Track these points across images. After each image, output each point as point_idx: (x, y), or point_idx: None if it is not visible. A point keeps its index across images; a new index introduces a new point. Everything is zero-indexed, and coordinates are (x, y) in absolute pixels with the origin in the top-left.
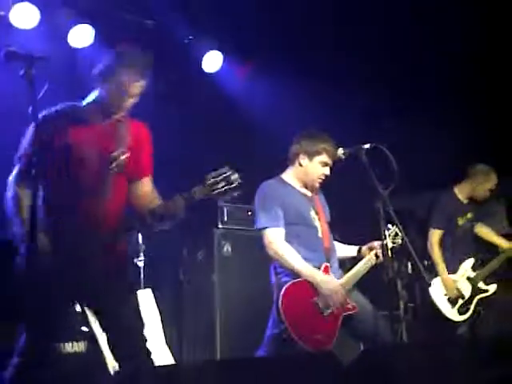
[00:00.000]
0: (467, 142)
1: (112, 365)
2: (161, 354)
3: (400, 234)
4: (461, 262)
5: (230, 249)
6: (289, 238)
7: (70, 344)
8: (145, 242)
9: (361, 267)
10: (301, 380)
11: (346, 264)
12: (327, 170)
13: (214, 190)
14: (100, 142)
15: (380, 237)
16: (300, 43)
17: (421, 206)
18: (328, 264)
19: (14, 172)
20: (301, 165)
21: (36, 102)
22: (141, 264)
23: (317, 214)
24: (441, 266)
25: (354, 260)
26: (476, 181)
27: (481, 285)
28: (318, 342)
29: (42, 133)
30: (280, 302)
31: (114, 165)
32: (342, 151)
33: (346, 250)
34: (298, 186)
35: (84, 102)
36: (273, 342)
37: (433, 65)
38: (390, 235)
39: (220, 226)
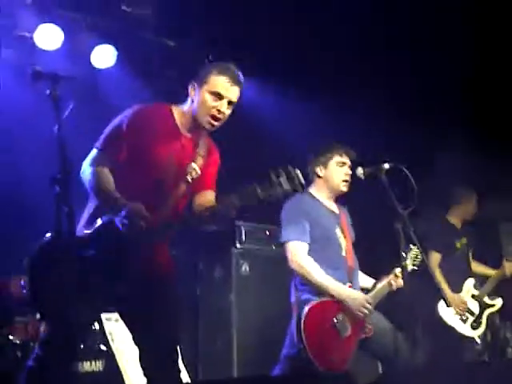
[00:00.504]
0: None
1: (129, 383)
2: None
3: (420, 255)
4: (463, 281)
5: (247, 268)
6: (313, 255)
7: (88, 363)
8: None
9: (376, 292)
10: None
11: None
12: (346, 169)
13: (279, 187)
14: (181, 152)
15: (399, 258)
16: (312, 56)
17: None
18: (351, 284)
19: (93, 155)
20: (320, 176)
21: (61, 122)
22: None
23: (342, 232)
24: (445, 286)
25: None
26: (464, 203)
27: (487, 300)
28: (333, 364)
29: (130, 127)
30: (302, 322)
31: (187, 177)
32: (362, 171)
33: (363, 281)
34: (325, 200)
35: (177, 109)
36: (289, 361)
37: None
38: (410, 257)
39: (238, 245)
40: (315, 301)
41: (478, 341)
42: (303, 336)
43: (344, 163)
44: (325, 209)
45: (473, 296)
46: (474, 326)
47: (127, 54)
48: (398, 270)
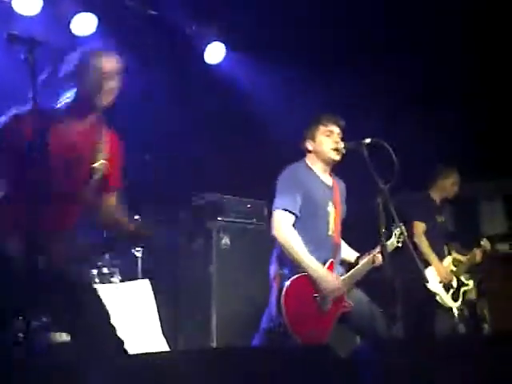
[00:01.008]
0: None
1: None
2: (157, 344)
3: (404, 232)
4: (444, 255)
5: (228, 241)
6: (299, 230)
7: (64, 334)
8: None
9: (360, 268)
10: (296, 372)
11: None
12: (334, 137)
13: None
14: (79, 148)
15: (379, 234)
16: (307, 35)
17: None
18: (334, 260)
19: None
20: (310, 151)
21: (36, 87)
22: (139, 254)
23: (334, 207)
24: (431, 255)
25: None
26: (441, 180)
27: (462, 278)
28: (312, 338)
29: (13, 132)
30: (283, 296)
31: (95, 177)
32: (343, 145)
33: (346, 253)
34: (320, 173)
35: (60, 103)
36: (268, 335)
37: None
38: (395, 234)
39: (219, 218)
40: (296, 275)
41: (456, 313)
42: (283, 310)
43: (331, 131)
44: (319, 182)
45: (451, 271)
46: (454, 298)
47: (108, 22)
48: (378, 248)
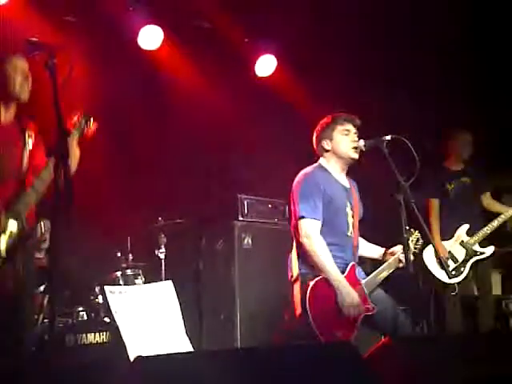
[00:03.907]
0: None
1: (133, 354)
2: (181, 344)
3: (420, 239)
4: (458, 226)
5: (250, 241)
6: (322, 232)
7: (93, 334)
8: (166, 234)
9: (383, 270)
10: (320, 369)
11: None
12: (352, 136)
13: None
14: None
15: (401, 233)
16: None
17: None
18: (354, 263)
19: None
20: (327, 150)
21: (57, 91)
22: (162, 256)
23: (352, 209)
24: (434, 231)
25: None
26: (450, 144)
27: (476, 248)
28: (337, 338)
29: None
30: (308, 296)
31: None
32: (363, 143)
33: (370, 250)
34: (337, 174)
35: None
36: (290, 334)
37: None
38: (412, 241)
39: (240, 218)
40: (320, 277)
41: (454, 291)
42: (308, 310)
43: (348, 130)
44: (337, 183)
45: (462, 242)
46: (454, 274)
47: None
48: (401, 251)
